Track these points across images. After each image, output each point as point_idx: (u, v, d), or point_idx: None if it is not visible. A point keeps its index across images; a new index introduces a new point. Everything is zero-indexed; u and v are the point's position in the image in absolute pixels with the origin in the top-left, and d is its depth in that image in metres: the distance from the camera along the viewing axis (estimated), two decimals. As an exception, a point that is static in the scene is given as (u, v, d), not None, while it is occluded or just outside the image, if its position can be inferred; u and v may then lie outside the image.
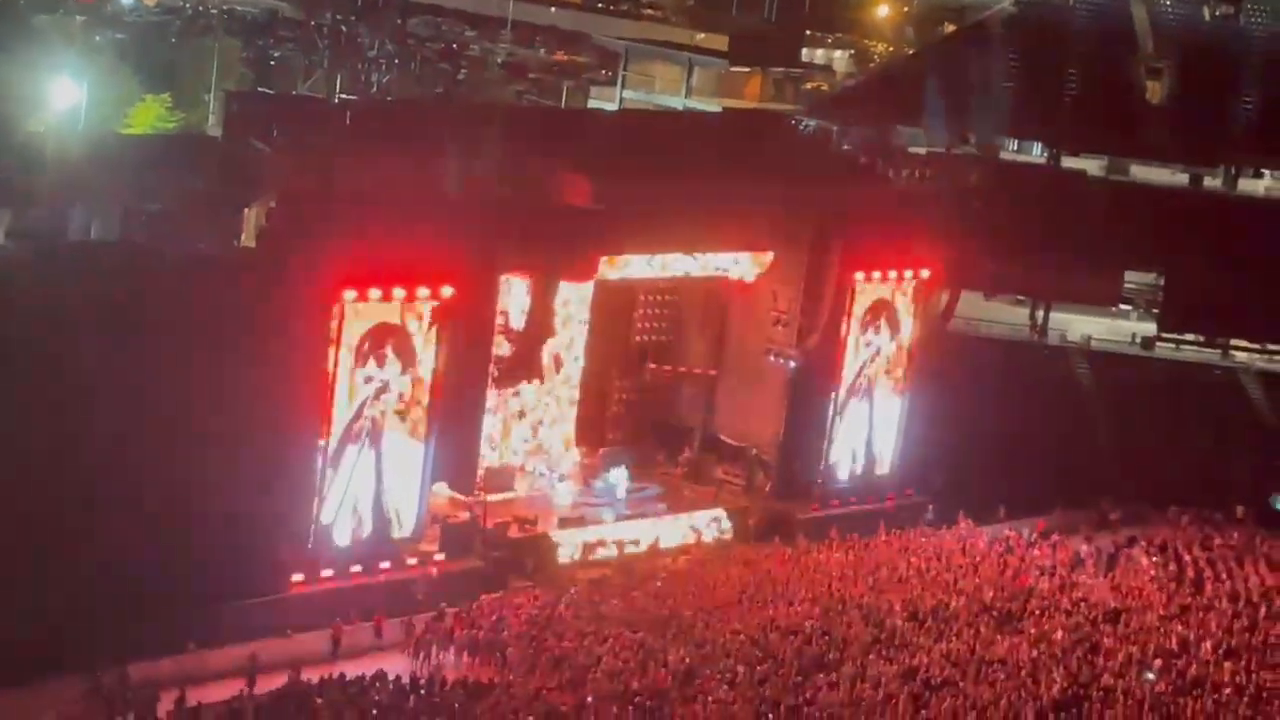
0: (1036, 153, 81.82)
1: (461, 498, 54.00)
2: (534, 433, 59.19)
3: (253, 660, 43.63)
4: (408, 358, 49.83)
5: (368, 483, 49.77)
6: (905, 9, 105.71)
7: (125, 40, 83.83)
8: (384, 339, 49.26)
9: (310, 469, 48.53)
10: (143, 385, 44.10)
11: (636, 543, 55.85)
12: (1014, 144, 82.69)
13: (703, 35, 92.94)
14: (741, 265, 59.53)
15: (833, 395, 61.24)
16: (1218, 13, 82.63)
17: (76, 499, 43.20)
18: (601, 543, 55.06)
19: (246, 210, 48.74)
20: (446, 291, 50.03)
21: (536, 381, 57.15)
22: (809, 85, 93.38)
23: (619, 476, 58.68)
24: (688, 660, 46.74)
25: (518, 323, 55.69)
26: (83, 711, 41.31)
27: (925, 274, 63.35)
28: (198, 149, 53.80)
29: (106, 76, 75.11)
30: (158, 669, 42.95)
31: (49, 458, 43.16)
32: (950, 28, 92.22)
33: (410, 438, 50.33)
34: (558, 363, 59.02)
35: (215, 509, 44.89)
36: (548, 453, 59.46)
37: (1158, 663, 50.19)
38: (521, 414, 58.71)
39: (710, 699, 44.64)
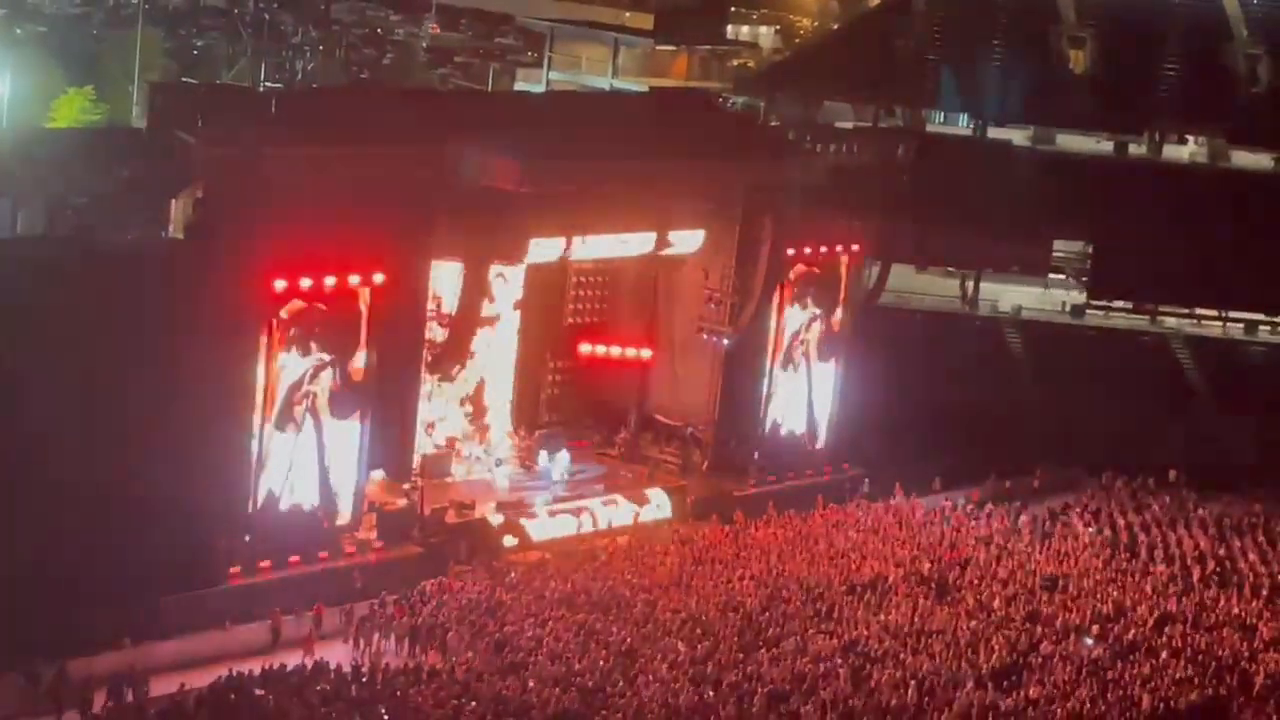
0: (963, 124, 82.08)
1: (398, 484, 53.91)
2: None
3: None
4: (340, 346, 49.65)
5: (304, 472, 49.60)
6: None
7: (47, 32, 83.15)
8: (315, 327, 49.05)
9: (245, 459, 48.35)
10: (72, 379, 43.79)
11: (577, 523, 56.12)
12: (940, 116, 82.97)
13: (628, 14, 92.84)
14: (673, 244, 59.52)
15: (767, 372, 61.43)
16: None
17: (6, 494, 42.92)
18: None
19: (173, 201, 48.42)
20: (378, 278, 49.93)
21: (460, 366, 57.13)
22: (735, 62, 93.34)
23: (561, 460, 58.61)
24: (628, 640, 46.84)
25: (450, 307, 55.58)
26: (21, 708, 41.10)
27: (855, 248, 63.61)
28: (123, 141, 53.35)
29: (29, 70, 74.53)
30: (96, 664, 42.73)
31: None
32: (874, 1, 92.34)
33: (345, 426, 50.16)
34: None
35: (149, 501, 44.65)
36: (484, 437, 59.37)
37: (1095, 629, 50.62)
38: (462, 403, 58.67)
39: (652, 678, 44.75)
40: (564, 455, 58.96)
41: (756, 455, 61.15)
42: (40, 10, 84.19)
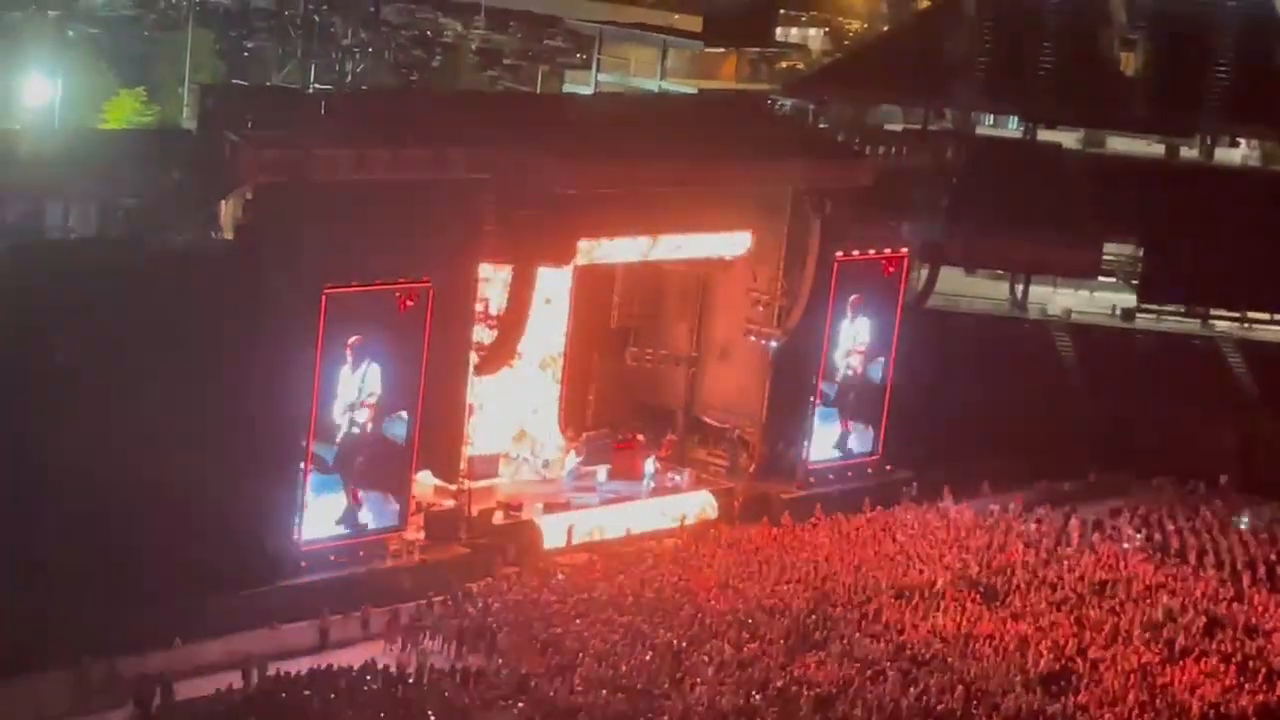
0: (1013, 126, 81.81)
1: (446, 485, 54.00)
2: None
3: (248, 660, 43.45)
4: (390, 347, 49.78)
5: (352, 472, 49.72)
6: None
7: (99, 35, 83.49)
8: (365, 328, 49.18)
9: (295, 461, 48.47)
10: (123, 380, 44.11)
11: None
12: (990, 118, 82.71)
13: (676, 16, 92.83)
14: (721, 246, 59.49)
15: (814, 373, 61.25)
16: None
17: (59, 494, 43.24)
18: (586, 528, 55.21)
19: (223, 203, 48.66)
20: (427, 280, 50.01)
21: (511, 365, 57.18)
22: (784, 64, 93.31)
23: (648, 468, 58.73)
24: (675, 642, 46.82)
25: (498, 309, 55.62)
26: (72, 706, 41.32)
27: (904, 250, 63.42)
28: (173, 142, 53.61)
29: (81, 72, 74.87)
30: (145, 663, 42.93)
31: (31, 453, 43.18)
32: (924, 3, 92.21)
33: (395, 426, 50.27)
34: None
35: (199, 502, 44.85)
36: (532, 439, 59.39)
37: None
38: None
39: (699, 680, 44.73)
40: (650, 463, 58.94)
41: (804, 458, 60.73)
42: (92, 12, 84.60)
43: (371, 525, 50.39)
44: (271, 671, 43.44)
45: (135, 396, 44.32)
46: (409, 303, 49.93)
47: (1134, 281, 76.79)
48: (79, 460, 43.53)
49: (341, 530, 49.68)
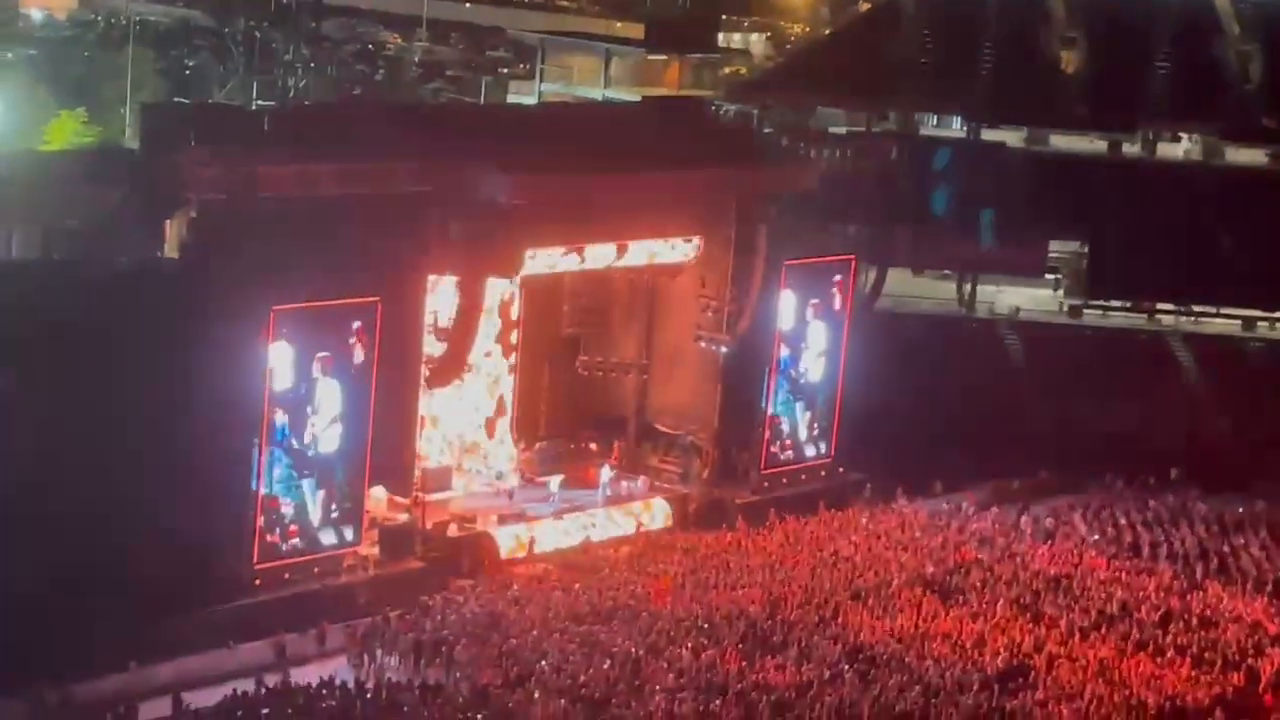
0: (956, 127, 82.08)
1: (399, 499, 53.88)
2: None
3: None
4: (340, 363, 49.63)
5: (304, 489, 49.54)
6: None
7: (38, 56, 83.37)
8: (314, 345, 49.02)
9: (246, 479, 48.25)
10: (70, 401, 43.89)
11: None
12: (933, 119, 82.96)
13: (619, 24, 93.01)
14: (668, 252, 59.52)
15: (765, 378, 61.32)
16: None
17: (6, 518, 42.93)
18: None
19: (168, 222, 48.43)
20: (375, 295, 49.87)
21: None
22: (727, 70, 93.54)
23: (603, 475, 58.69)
24: (633, 650, 46.79)
25: (447, 322, 55.54)
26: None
27: (851, 252, 63.54)
28: (116, 162, 53.36)
29: (21, 93, 74.65)
30: (101, 687, 42.67)
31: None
32: (865, 6, 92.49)
33: (347, 442, 50.12)
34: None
35: (151, 521, 44.67)
36: (484, 451, 59.31)
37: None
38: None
39: (657, 688, 44.72)
40: (605, 471, 58.99)
41: (757, 463, 60.87)
42: (31, 34, 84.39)
43: (326, 541, 50.21)
44: (229, 691, 43.24)
45: (82, 419, 44.09)
46: (357, 318, 49.78)
47: (1080, 278, 77.04)
48: (26, 484, 43.24)
49: (295, 547, 49.46)
